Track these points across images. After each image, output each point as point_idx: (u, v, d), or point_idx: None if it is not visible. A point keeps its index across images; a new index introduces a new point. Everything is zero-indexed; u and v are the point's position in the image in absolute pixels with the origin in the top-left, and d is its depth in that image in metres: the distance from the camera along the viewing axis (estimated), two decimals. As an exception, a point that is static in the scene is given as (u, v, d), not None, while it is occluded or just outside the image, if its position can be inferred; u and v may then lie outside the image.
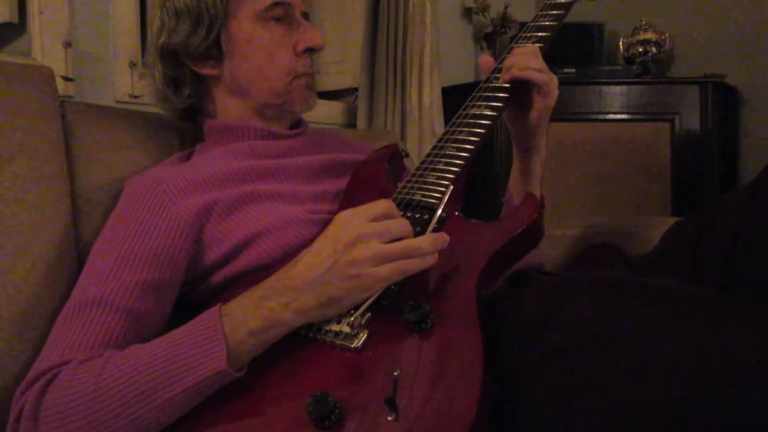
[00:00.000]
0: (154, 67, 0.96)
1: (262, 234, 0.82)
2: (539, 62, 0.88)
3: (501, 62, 0.91)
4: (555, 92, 0.89)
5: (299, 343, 0.69)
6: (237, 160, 0.91)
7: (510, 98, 0.88)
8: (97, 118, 1.03)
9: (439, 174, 0.82)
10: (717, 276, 0.77)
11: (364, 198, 0.72)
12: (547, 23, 0.93)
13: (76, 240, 0.93)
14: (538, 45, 0.90)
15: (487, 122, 0.85)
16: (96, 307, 0.73)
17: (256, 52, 0.93)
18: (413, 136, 2.02)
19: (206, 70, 0.94)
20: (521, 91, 0.89)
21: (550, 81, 0.88)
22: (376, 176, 0.93)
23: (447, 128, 0.88)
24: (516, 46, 0.92)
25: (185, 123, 1.03)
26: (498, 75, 0.90)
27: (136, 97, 1.57)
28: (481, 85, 0.91)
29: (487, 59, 0.93)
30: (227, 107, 0.97)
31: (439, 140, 0.87)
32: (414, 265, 0.67)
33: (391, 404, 0.58)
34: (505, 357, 0.65)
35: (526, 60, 0.87)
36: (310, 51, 0.95)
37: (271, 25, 0.92)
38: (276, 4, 0.92)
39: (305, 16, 0.97)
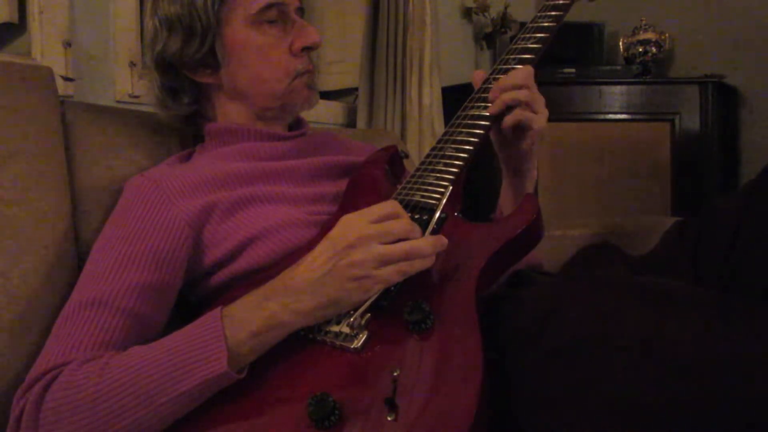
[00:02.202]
0: (150, 74, 0.95)
1: (262, 236, 0.82)
2: (523, 92, 0.83)
3: (499, 63, 0.91)
4: (542, 118, 0.85)
5: (299, 343, 0.69)
6: (237, 161, 0.91)
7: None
8: (97, 118, 1.02)
9: (439, 175, 0.82)
10: (717, 276, 0.77)
11: (364, 200, 0.72)
12: (546, 24, 0.92)
13: (76, 240, 0.93)
14: (526, 67, 0.86)
15: (486, 123, 0.85)
16: (96, 308, 0.73)
17: (253, 58, 0.92)
18: (413, 136, 2.02)
19: (204, 79, 0.94)
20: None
21: (533, 116, 0.83)
22: (375, 178, 0.93)
23: (446, 129, 0.88)
24: (502, 67, 0.89)
25: (186, 126, 1.03)
26: (497, 76, 0.89)
27: (136, 97, 1.57)
28: (480, 86, 0.91)
29: (480, 75, 0.91)
30: (227, 111, 0.97)
31: (438, 141, 0.87)
32: (415, 267, 0.67)
33: (391, 404, 0.58)
34: (504, 357, 0.65)
35: (510, 96, 0.83)
36: (308, 50, 0.95)
37: (265, 28, 0.91)
38: (268, 6, 0.90)
39: (300, 11, 0.96)
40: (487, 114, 0.86)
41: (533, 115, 0.84)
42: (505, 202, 0.98)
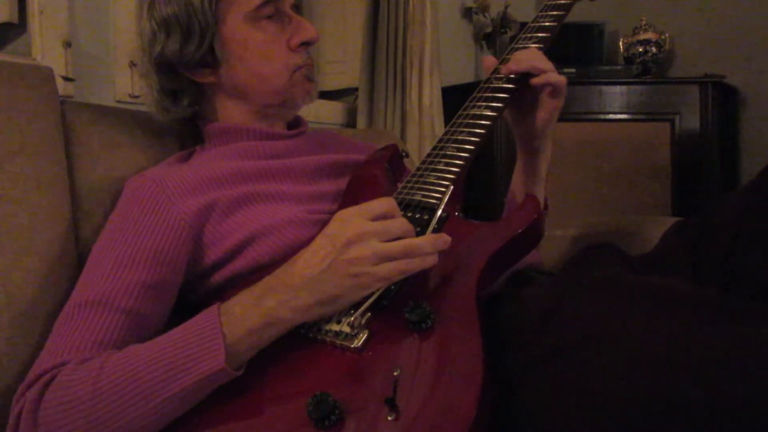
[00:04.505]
0: (149, 77, 0.95)
1: (262, 234, 0.82)
2: (550, 63, 0.87)
3: (501, 63, 0.91)
4: (565, 91, 0.89)
5: (299, 343, 0.69)
6: (237, 160, 0.91)
7: (511, 98, 0.88)
8: (97, 118, 1.02)
9: (439, 174, 0.82)
10: (717, 276, 0.77)
11: (364, 198, 0.72)
12: (547, 24, 0.93)
13: (76, 240, 0.93)
14: (538, 46, 0.90)
15: (487, 122, 0.85)
16: (95, 308, 0.73)
17: (253, 55, 0.92)
18: (413, 136, 2.02)
19: (204, 78, 0.93)
20: (526, 92, 0.89)
21: (563, 81, 0.87)
22: (375, 177, 0.93)
23: (447, 129, 0.88)
24: (517, 46, 0.92)
25: (185, 127, 1.02)
26: (499, 75, 0.89)
27: (136, 97, 1.57)
28: (481, 85, 0.91)
29: (491, 59, 0.93)
30: (228, 111, 0.96)
31: (439, 140, 0.87)
32: (414, 265, 0.67)
33: (391, 404, 0.58)
34: (505, 357, 0.65)
35: (540, 63, 0.86)
36: (306, 45, 0.95)
37: (263, 24, 0.91)
38: (265, 3, 0.90)
39: (296, 8, 0.96)
40: (489, 114, 0.86)
41: (562, 78, 0.86)
42: (518, 183, 0.99)
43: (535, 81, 0.86)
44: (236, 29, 0.91)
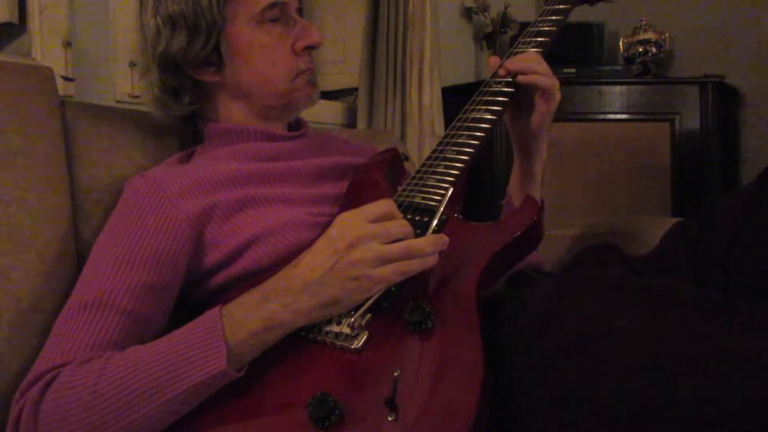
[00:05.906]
0: (150, 74, 0.94)
1: (262, 237, 0.82)
2: (543, 66, 0.88)
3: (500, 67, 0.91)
4: (558, 96, 0.89)
5: (299, 344, 0.69)
6: (238, 162, 0.91)
7: (510, 102, 0.88)
8: (97, 118, 1.02)
9: (439, 177, 0.82)
10: (717, 276, 0.77)
11: (364, 201, 0.72)
12: (546, 28, 0.93)
13: (76, 240, 0.93)
14: (537, 50, 0.90)
15: (487, 126, 0.85)
16: (95, 308, 0.73)
17: (257, 56, 0.92)
18: (413, 137, 2.02)
19: (207, 77, 0.93)
20: (523, 94, 0.89)
21: (553, 84, 0.88)
22: (376, 179, 0.93)
23: (447, 131, 0.88)
24: (516, 50, 0.92)
25: (184, 126, 1.02)
26: (498, 79, 0.90)
27: (136, 97, 1.57)
28: (481, 88, 0.91)
29: (496, 59, 0.93)
30: (229, 111, 0.96)
31: (439, 143, 0.87)
32: (414, 266, 0.67)
33: (391, 405, 0.58)
34: (505, 357, 0.65)
35: (531, 64, 0.87)
36: (310, 49, 0.95)
37: (268, 26, 0.91)
38: (272, 5, 0.90)
39: (298, 11, 0.96)
40: (489, 117, 0.86)
41: (548, 80, 0.87)
42: (514, 185, 0.99)
43: (521, 79, 0.87)
44: (242, 30, 0.91)
